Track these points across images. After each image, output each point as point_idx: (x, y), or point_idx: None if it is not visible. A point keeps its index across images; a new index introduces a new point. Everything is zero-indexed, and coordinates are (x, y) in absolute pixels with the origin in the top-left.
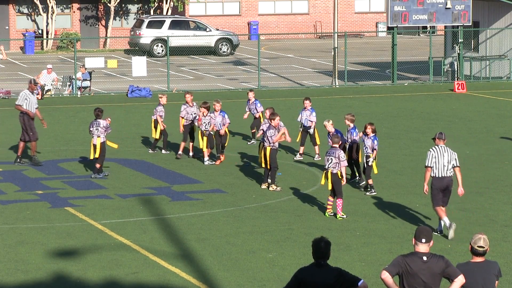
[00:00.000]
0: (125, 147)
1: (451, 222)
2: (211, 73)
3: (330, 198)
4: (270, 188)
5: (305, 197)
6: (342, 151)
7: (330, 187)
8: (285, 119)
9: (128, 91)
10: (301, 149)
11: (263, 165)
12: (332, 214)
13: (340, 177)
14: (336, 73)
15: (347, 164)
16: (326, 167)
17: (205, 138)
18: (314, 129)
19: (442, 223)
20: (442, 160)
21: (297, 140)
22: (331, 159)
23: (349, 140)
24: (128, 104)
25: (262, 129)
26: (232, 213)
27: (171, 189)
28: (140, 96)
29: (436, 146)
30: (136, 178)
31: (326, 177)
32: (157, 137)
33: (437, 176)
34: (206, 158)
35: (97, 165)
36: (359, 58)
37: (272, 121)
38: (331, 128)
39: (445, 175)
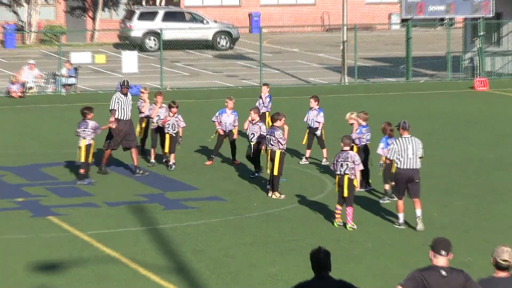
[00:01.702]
0: (113, 151)
1: (403, 223)
2: (208, 69)
3: (338, 207)
4: (273, 196)
5: (312, 204)
6: (356, 154)
7: (346, 194)
8: (289, 120)
9: (118, 88)
10: (308, 153)
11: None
12: (342, 224)
13: (354, 183)
14: (346, 69)
15: (363, 167)
16: (341, 172)
17: (167, 139)
18: (321, 131)
19: (400, 216)
20: (407, 152)
21: (303, 143)
22: (346, 164)
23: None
24: None
25: (268, 134)
26: (231, 223)
27: (165, 196)
28: (131, 94)
29: (400, 138)
30: (125, 184)
31: (341, 184)
32: (142, 136)
33: (401, 167)
34: (171, 162)
35: (81, 170)
36: (371, 53)
37: (278, 121)
38: (353, 122)
39: (411, 167)
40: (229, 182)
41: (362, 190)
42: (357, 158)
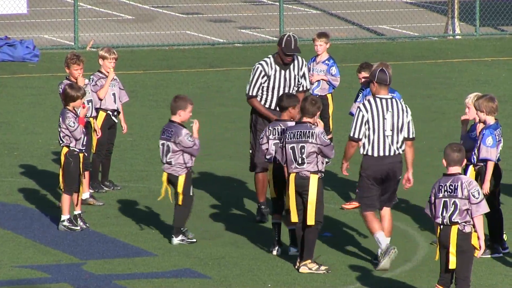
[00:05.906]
0: None
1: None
2: (173, 6)
3: None
4: (303, 269)
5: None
6: (473, 181)
7: (454, 265)
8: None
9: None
10: None
11: (293, 219)
12: None
13: (473, 243)
14: (456, 8)
15: (487, 210)
16: (445, 220)
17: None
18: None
19: (381, 239)
20: (383, 126)
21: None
22: (454, 203)
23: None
24: None
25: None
26: None
27: (82, 269)
28: (13, 58)
29: (373, 98)
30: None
31: (444, 243)
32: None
33: (372, 154)
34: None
35: None
36: None
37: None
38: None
39: (388, 154)
40: (215, 235)
41: (488, 256)
42: (475, 190)
